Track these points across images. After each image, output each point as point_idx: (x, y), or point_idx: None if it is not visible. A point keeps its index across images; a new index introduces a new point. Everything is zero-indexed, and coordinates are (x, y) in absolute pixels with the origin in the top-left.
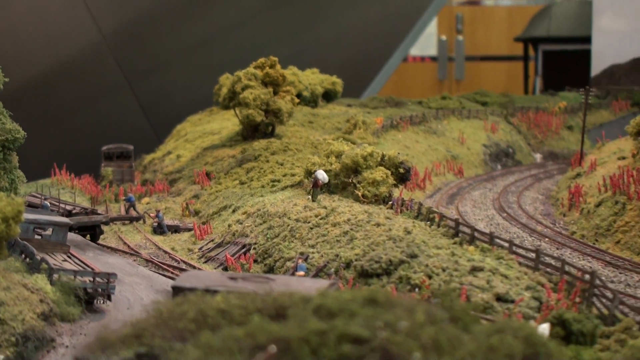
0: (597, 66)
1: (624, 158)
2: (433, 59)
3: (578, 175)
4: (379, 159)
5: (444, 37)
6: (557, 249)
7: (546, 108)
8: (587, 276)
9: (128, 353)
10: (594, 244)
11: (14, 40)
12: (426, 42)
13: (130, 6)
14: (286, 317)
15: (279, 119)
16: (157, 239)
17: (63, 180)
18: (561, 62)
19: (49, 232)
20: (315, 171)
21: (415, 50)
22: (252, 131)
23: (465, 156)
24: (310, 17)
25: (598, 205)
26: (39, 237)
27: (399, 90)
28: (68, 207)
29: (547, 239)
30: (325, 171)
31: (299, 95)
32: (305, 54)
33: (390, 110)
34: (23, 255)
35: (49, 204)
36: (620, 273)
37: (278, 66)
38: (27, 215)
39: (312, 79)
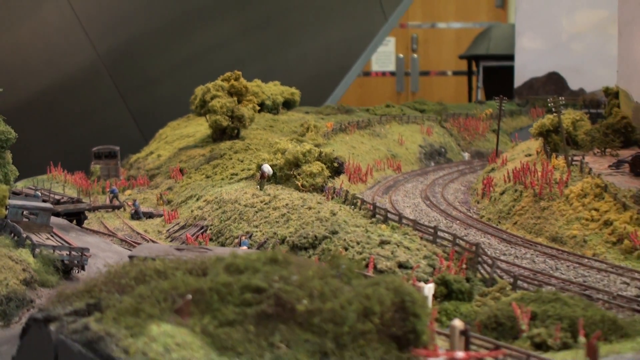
0: (519, 79)
1: (530, 155)
2: (392, 73)
3: (492, 169)
4: (316, 155)
5: (401, 55)
6: (465, 229)
7: (474, 114)
8: (473, 247)
9: (80, 304)
10: (497, 225)
11: (21, 59)
12: (386, 59)
13: (122, 30)
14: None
15: (242, 124)
16: (133, 223)
17: (57, 175)
18: (497, 75)
19: (34, 216)
20: (262, 165)
21: (376, 67)
22: (220, 134)
23: (404, 155)
24: (280, 40)
25: (502, 193)
26: (27, 219)
27: (364, 100)
28: (57, 197)
29: (458, 222)
30: (272, 165)
31: (262, 104)
32: (275, 70)
33: (341, 116)
34: (12, 234)
35: (40, 194)
36: (512, 247)
37: (242, 79)
38: (17, 202)
39: (274, 90)
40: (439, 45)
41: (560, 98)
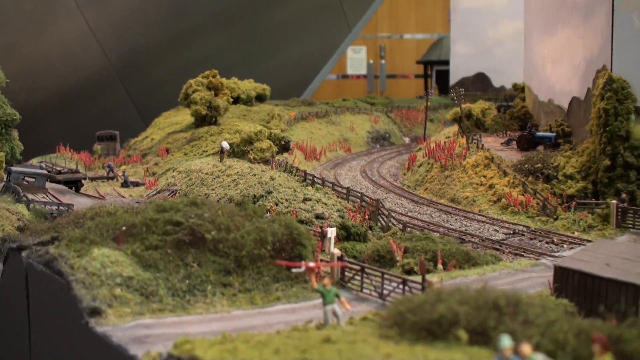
0: (454, 78)
1: (448, 137)
2: (364, 76)
3: (419, 149)
4: (266, 135)
5: (371, 61)
6: (386, 193)
7: (415, 107)
8: (375, 203)
9: (46, 236)
10: (412, 190)
11: (43, 64)
12: (359, 64)
13: (130, 41)
14: None
15: (218, 113)
16: (122, 190)
17: (65, 154)
18: (446, 77)
19: (33, 179)
20: (221, 142)
21: (351, 70)
22: (200, 121)
23: (354, 139)
24: (261, 51)
25: (419, 166)
26: (27, 183)
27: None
28: (58, 168)
29: (382, 188)
30: (230, 143)
31: (238, 97)
32: (257, 75)
33: (304, 108)
34: (14, 194)
35: (44, 165)
36: (418, 206)
37: (218, 76)
38: (19, 168)
39: (248, 86)
40: (402, 52)
41: (461, 90)
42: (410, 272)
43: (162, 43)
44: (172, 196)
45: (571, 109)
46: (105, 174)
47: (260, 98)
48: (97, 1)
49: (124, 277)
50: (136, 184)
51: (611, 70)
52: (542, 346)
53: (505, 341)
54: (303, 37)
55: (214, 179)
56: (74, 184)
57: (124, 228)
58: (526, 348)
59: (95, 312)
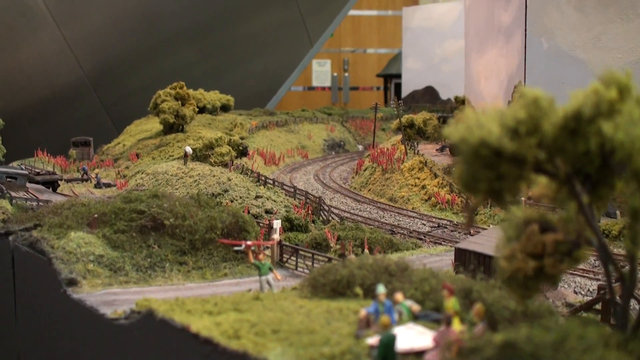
0: (405, 91)
1: (394, 144)
2: (328, 88)
3: (368, 155)
4: (226, 141)
5: (335, 74)
6: (333, 194)
7: (369, 117)
8: (317, 200)
9: (29, 224)
10: (358, 192)
11: (21, 74)
12: (324, 77)
13: (104, 53)
14: None
15: (185, 121)
16: (95, 190)
17: (43, 158)
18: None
19: (14, 179)
20: (185, 147)
21: (317, 83)
22: (168, 129)
23: (311, 146)
24: (228, 64)
25: (365, 170)
26: (10, 181)
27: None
28: (37, 170)
29: (331, 190)
30: (193, 148)
31: (204, 107)
32: (224, 87)
33: (265, 117)
34: None
35: (24, 167)
36: (360, 205)
37: (185, 88)
38: (2, 169)
39: (214, 97)
40: (364, 66)
41: (400, 102)
42: (341, 255)
43: (135, 55)
44: None
45: None
46: (80, 176)
47: (224, 108)
48: (73, 15)
49: (96, 255)
50: (108, 185)
51: (525, 85)
52: (413, 297)
53: (381, 288)
54: (267, 51)
55: (178, 179)
56: (51, 185)
57: (96, 215)
58: (399, 296)
59: (72, 282)
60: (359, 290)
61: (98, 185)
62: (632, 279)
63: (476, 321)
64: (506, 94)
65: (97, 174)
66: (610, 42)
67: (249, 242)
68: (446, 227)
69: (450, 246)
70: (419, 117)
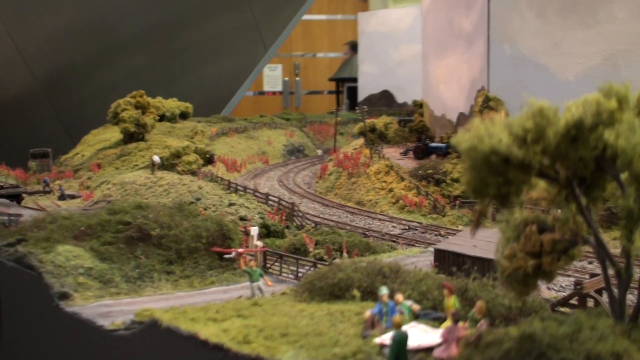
0: (362, 95)
1: (356, 149)
2: (280, 93)
3: (330, 159)
4: (193, 149)
5: (286, 78)
6: (300, 199)
7: (327, 122)
8: (290, 206)
9: (12, 239)
10: (324, 196)
11: None
12: (275, 82)
13: (56, 60)
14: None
15: (145, 130)
16: (60, 202)
17: (1, 170)
18: (356, 93)
19: None
20: (152, 156)
21: (268, 87)
22: (129, 138)
23: (271, 152)
24: (182, 69)
25: (330, 174)
26: None
27: (258, 114)
28: (1, 184)
29: (297, 194)
30: (160, 157)
31: (163, 115)
32: (179, 92)
33: (225, 124)
34: None
35: None
36: (328, 209)
37: (145, 96)
38: None
39: (172, 104)
40: (315, 70)
41: (364, 107)
42: (321, 259)
43: (87, 62)
44: None
45: (459, 123)
46: (42, 189)
47: (183, 115)
48: (24, 23)
49: (85, 267)
50: (72, 197)
51: (488, 90)
52: (411, 297)
53: (384, 290)
54: (221, 57)
55: (147, 189)
56: (16, 198)
57: (82, 228)
58: (399, 296)
59: (64, 296)
60: (356, 292)
61: (62, 197)
62: (628, 274)
63: (478, 318)
64: (468, 98)
65: (60, 186)
66: (571, 47)
67: (240, 250)
68: (416, 229)
69: (424, 247)
70: (379, 122)
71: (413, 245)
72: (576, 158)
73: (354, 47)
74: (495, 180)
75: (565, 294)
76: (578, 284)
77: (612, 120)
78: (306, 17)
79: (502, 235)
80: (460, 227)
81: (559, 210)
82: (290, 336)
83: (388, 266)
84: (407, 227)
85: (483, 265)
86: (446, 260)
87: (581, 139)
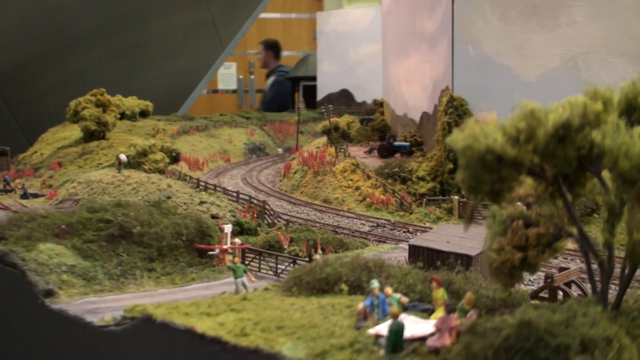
0: (320, 94)
1: (319, 147)
2: (234, 91)
3: (293, 158)
4: (159, 147)
5: (241, 77)
6: (267, 197)
7: (287, 120)
8: (262, 204)
9: None
10: (290, 194)
11: None
12: (229, 80)
13: (9, 54)
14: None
15: (107, 128)
16: (23, 201)
17: None
18: (313, 91)
19: None
20: (119, 155)
21: (222, 85)
22: (89, 136)
23: (232, 150)
24: (139, 65)
25: (295, 173)
26: None
27: (212, 112)
28: None
29: (264, 193)
30: (127, 155)
31: (123, 114)
32: (135, 89)
33: (185, 122)
34: None
35: None
36: (296, 207)
37: (105, 94)
38: None
39: (132, 103)
40: None
41: (329, 106)
42: (296, 255)
43: (41, 57)
44: (76, 204)
45: (422, 122)
46: (2, 187)
47: (143, 114)
48: None
49: (68, 265)
50: (35, 195)
51: (452, 90)
52: (399, 290)
53: (375, 283)
54: (179, 54)
55: (115, 187)
56: None
57: (63, 226)
58: (388, 289)
59: (49, 293)
60: (344, 286)
61: (25, 195)
62: (610, 265)
63: (467, 308)
64: (431, 98)
65: (23, 185)
66: (533, 49)
67: (224, 247)
68: (385, 226)
69: (395, 244)
70: (342, 121)
71: (384, 242)
72: (563, 157)
73: (267, 46)
74: (490, 177)
75: (534, 287)
76: (549, 277)
77: (598, 121)
78: (261, 15)
79: (489, 230)
80: (427, 224)
81: (542, 206)
82: (286, 328)
83: (372, 261)
84: (375, 225)
85: (457, 260)
86: (420, 255)
87: (568, 138)
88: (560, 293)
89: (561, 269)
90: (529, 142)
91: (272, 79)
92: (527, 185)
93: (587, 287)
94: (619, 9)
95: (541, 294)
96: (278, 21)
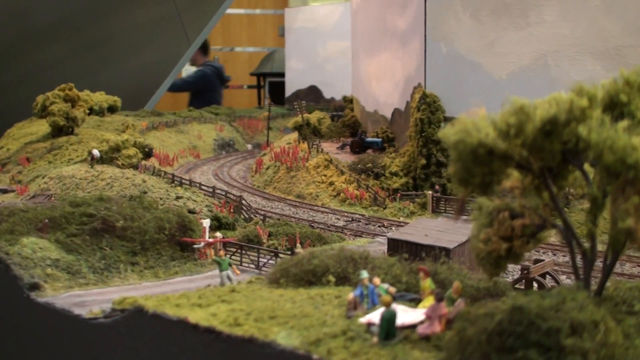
0: (289, 90)
1: (290, 143)
2: None
3: (264, 154)
4: (132, 143)
5: None
6: (240, 192)
7: (255, 116)
8: (238, 198)
9: None
10: (262, 189)
11: None
12: None
13: None
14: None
15: (75, 123)
16: None
17: None
18: (279, 88)
19: None
20: (92, 150)
21: None
22: (58, 131)
23: (202, 146)
24: (104, 60)
25: (267, 169)
26: None
27: (177, 107)
28: None
29: (237, 188)
30: (100, 151)
31: (91, 109)
32: (101, 83)
33: (154, 118)
34: None
35: None
36: (270, 202)
37: (74, 89)
38: None
39: (100, 98)
40: (235, 64)
41: (302, 102)
42: (276, 249)
43: (3, 51)
44: (49, 199)
45: (394, 119)
46: None
47: (111, 109)
48: None
49: (52, 259)
50: (5, 191)
51: (425, 87)
52: (385, 280)
53: (364, 274)
54: (144, 49)
55: (89, 182)
56: None
57: (46, 220)
58: (377, 280)
59: (35, 287)
60: (332, 278)
61: None
62: (592, 254)
63: (455, 297)
64: (403, 94)
65: None
66: (504, 47)
67: (210, 240)
68: (360, 221)
69: (371, 238)
70: (313, 117)
71: (360, 236)
72: (549, 150)
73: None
74: (480, 170)
75: (509, 279)
76: (525, 269)
77: (584, 116)
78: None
79: (476, 222)
80: (402, 219)
81: (527, 198)
82: (279, 318)
83: (357, 253)
84: (350, 219)
85: (435, 253)
86: (399, 249)
87: (555, 133)
88: (535, 284)
89: (536, 261)
90: (518, 137)
91: (195, 68)
92: (514, 178)
93: (561, 278)
94: (587, 9)
95: (517, 285)
96: (243, 17)
